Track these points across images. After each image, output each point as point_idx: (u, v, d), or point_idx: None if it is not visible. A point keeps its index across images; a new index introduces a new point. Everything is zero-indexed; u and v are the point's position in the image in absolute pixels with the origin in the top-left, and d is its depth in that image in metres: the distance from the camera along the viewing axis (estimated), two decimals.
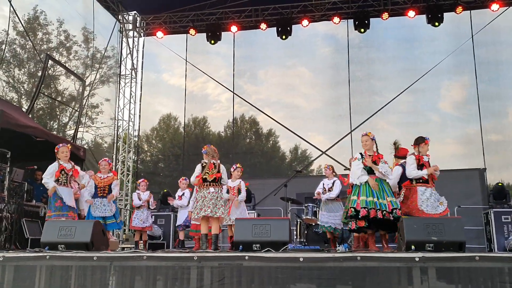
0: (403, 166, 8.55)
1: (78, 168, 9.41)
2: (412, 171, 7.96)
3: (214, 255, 6.11)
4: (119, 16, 17.67)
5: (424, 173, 7.88)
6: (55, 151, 9.09)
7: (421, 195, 7.85)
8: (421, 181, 7.95)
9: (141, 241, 11.62)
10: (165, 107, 20.46)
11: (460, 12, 15.46)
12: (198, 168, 8.52)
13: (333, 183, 10.49)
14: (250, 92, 18.26)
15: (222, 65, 18.65)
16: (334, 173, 10.75)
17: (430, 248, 6.22)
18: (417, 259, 5.50)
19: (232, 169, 10.20)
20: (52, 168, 8.88)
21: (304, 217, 11.20)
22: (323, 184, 10.63)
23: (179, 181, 12.00)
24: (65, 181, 8.93)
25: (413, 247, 6.25)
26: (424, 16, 15.56)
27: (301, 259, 5.70)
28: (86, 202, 10.00)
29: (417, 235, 6.35)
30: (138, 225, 11.53)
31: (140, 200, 11.59)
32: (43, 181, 8.92)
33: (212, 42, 16.84)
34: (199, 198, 8.34)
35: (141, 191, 11.82)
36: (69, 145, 9.42)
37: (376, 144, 8.18)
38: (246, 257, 5.89)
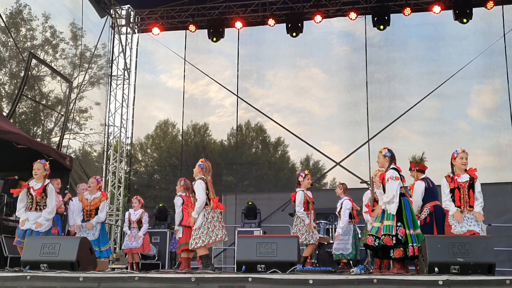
0: (426, 180, 8.55)
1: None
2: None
3: (214, 276, 6.11)
4: (111, 11, 17.73)
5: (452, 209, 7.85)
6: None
7: (452, 220, 7.84)
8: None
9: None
10: (162, 112, 20.55)
11: (491, 8, 15.42)
12: (204, 186, 8.47)
13: (340, 206, 10.59)
14: (257, 96, 18.30)
15: (225, 65, 18.72)
16: (345, 193, 10.77)
17: (456, 270, 6.20)
18: (440, 282, 5.48)
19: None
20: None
21: None
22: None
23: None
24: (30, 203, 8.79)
25: (436, 269, 6.23)
26: (450, 12, 15.55)
27: (311, 282, 5.70)
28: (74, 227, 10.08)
29: (441, 255, 6.32)
30: (126, 247, 11.67)
31: (129, 222, 11.77)
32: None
33: (214, 39, 16.88)
34: (210, 219, 8.37)
35: (135, 210, 11.92)
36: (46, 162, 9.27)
37: (391, 160, 7.96)
38: (250, 279, 5.89)
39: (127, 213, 12.16)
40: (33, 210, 8.64)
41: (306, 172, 10.30)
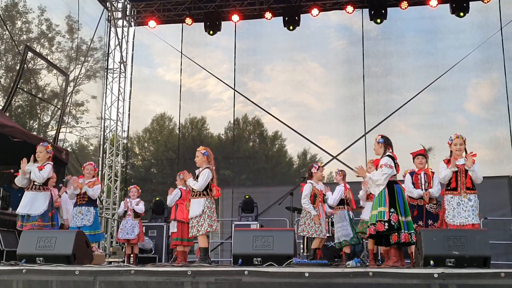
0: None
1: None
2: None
3: (210, 269, 6.13)
4: (107, 4, 17.69)
5: (447, 172, 7.88)
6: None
7: (447, 205, 7.89)
8: (449, 188, 7.95)
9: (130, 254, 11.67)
10: (159, 105, 20.54)
11: (488, 1, 15.45)
12: (210, 174, 8.41)
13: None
14: (255, 90, 18.30)
15: (223, 59, 18.69)
16: (343, 179, 10.86)
17: (451, 263, 6.22)
18: (436, 275, 5.50)
19: None
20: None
21: None
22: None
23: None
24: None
25: (431, 262, 6.25)
26: (447, 6, 15.55)
27: (307, 275, 5.72)
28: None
29: (437, 249, 6.34)
30: (123, 237, 11.56)
31: (124, 208, 11.66)
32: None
33: (211, 32, 16.87)
34: (212, 208, 8.37)
35: (132, 199, 11.86)
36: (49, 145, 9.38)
37: (385, 146, 8.04)
38: (246, 272, 5.90)
39: (123, 202, 12.06)
40: (30, 190, 8.76)
41: (320, 164, 10.35)
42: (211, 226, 8.14)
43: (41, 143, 9.17)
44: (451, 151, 8.06)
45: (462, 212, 7.70)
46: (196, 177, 8.46)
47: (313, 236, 9.70)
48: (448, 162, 7.99)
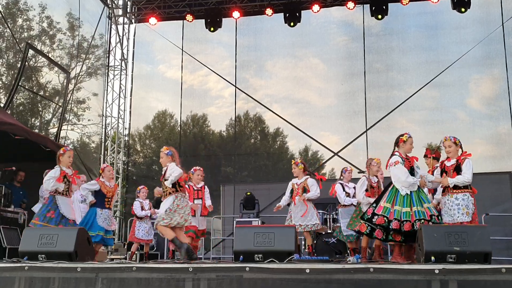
0: None
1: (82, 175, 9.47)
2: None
3: (212, 266, 6.16)
4: (108, 1, 17.71)
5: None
6: (62, 152, 9.10)
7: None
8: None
9: (138, 252, 11.75)
10: (160, 102, 20.54)
11: None
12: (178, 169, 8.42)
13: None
14: (256, 87, 18.31)
15: (224, 55, 18.70)
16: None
17: (452, 259, 6.24)
18: (437, 271, 5.52)
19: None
20: (55, 173, 8.83)
21: None
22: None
23: None
24: (66, 189, 8.93)
25: (432, 258, 6.26)
26: (448, 1, 15.59)
27: (308, 271, 5.73)
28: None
29: (437, 245, 6.36)
30: (144, 238, 11.73)
31: (143, 211, 11.76)
32: (46, 183, 8.82)
33: (212, 29, 16.91)
34: (183, 205, 8.38)
35: (142, 200, 11.96)
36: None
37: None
38: (247, 268, 5.93)
39: (136, 202, 12.14)
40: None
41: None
42: (175, 220, 8.14)
43: (68, 148, 9.35)
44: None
45: (448, 211, 7.72)
46: (163, 175, 8.55)
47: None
48: (440, 163, 8.08)
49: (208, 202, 10.53)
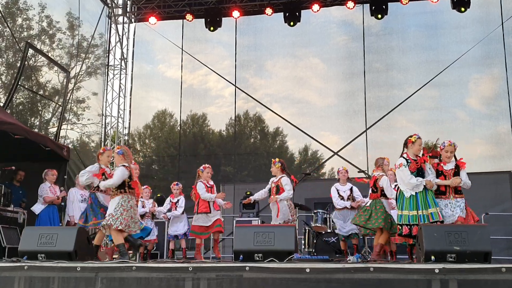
0: None
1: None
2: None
3: (212, 265, 6.16)
4: (108, 0, 17.67)
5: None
6: (101, 151, 9.27)
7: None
8: (438, 192, 8.00)
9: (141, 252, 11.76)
10: (160, 102, 20.54)
11: None
12: (125, 172, 8.36)
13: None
14: (256, 86, 18.30)
15: (224, 55, 18.69)
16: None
17: (452, 259, 6.24)
18: (437, 270, 5.53)
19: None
20: (94, 168, 8.97)
21: (313, 225, 11.25)
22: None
23: (171, 186, 11.99)
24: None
25: (432, 257, 6.27)
26: (448, 0, 15.57)
27: (308, 270, 5.74)
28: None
29: (438, 244, 6.37)
30: (149, 238, 11.71)
31: (144, 208, 11.72)
32: (80, 177, 8.93)
33: (212, 28, 16.90)
34: (128, 207, 8.27)
35: (145, 199, 11.93)
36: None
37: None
38: (247, 268, 5.93)
39: (139, 202, 12.13)
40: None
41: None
42: (122, 223, 8.04)
43: (108, 148, 9.51)
44: (440, 155, 8.13)
45: (449, 212, 7.75)
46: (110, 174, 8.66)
47: None
48: (437, 165, 8.05)
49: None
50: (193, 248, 12.32)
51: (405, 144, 8.11)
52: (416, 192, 7.71)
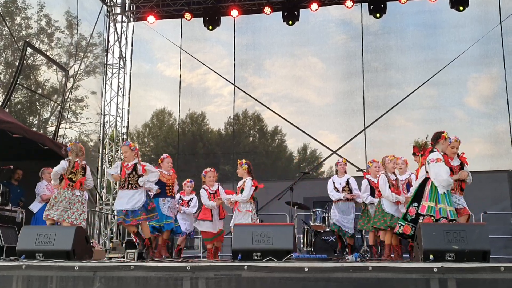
0: None
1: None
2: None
3: (210, 264, 6.14)
4: None
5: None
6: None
7: None
8: None
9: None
10: (159, 101, 20.52)
11: None
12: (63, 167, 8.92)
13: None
14: (255, 85, 18.29)
15: (223, 54, 18.68)
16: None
17: (451, 257, 6.24)
18: (435, 269, 5.52)
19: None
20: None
21: (311, 224, 11.22)
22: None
23: (183, 184, 11.81)
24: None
25: (431, 256, 6.26)
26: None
27: (306, 269, 5.73)
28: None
29: (436, 243, 6.36)
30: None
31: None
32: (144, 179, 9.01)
33: (210, 28, 16.87)
34: (61, 198, 8.74)
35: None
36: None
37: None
38: (245, 267, 5.92)
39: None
40: (125, 189, 8.87)
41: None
42: (58, 210, 8.70)
43: (123, 143, 9.77)
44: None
45: (453, 204, 7.71)
46: None
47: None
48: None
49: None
50: (192, 247, 12.31)
51: (436, 139, 7.89)
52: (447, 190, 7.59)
